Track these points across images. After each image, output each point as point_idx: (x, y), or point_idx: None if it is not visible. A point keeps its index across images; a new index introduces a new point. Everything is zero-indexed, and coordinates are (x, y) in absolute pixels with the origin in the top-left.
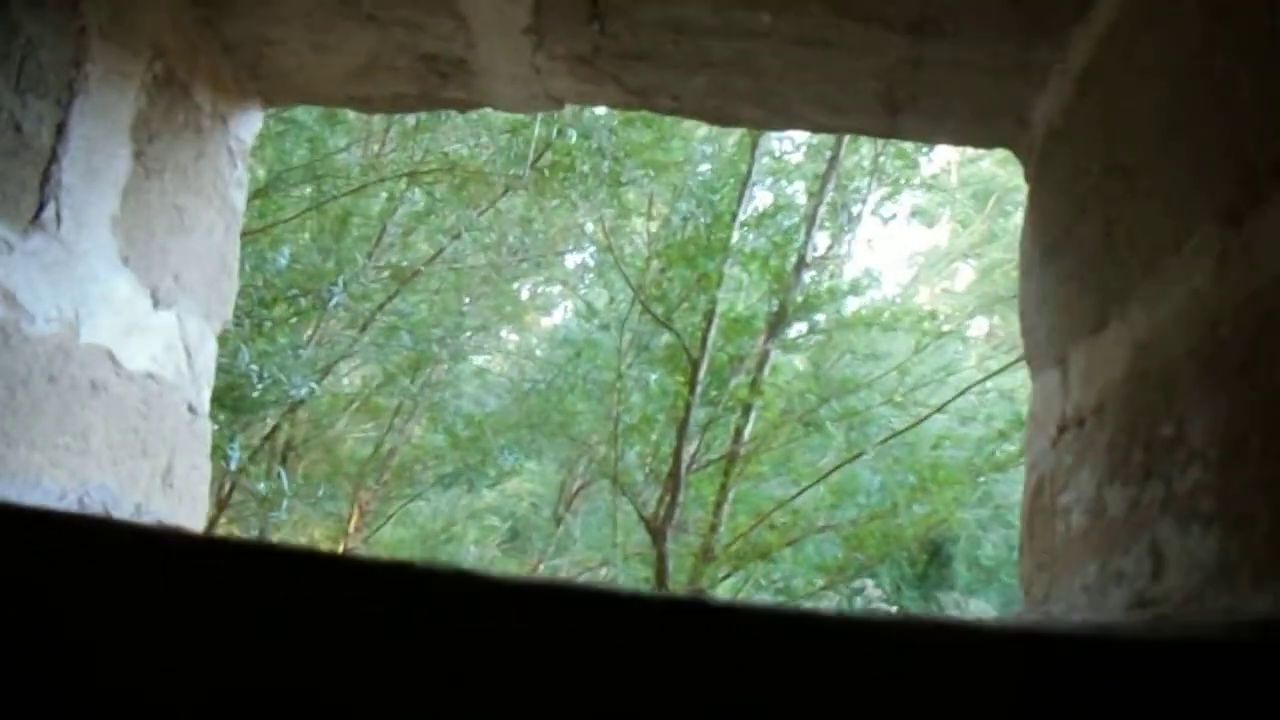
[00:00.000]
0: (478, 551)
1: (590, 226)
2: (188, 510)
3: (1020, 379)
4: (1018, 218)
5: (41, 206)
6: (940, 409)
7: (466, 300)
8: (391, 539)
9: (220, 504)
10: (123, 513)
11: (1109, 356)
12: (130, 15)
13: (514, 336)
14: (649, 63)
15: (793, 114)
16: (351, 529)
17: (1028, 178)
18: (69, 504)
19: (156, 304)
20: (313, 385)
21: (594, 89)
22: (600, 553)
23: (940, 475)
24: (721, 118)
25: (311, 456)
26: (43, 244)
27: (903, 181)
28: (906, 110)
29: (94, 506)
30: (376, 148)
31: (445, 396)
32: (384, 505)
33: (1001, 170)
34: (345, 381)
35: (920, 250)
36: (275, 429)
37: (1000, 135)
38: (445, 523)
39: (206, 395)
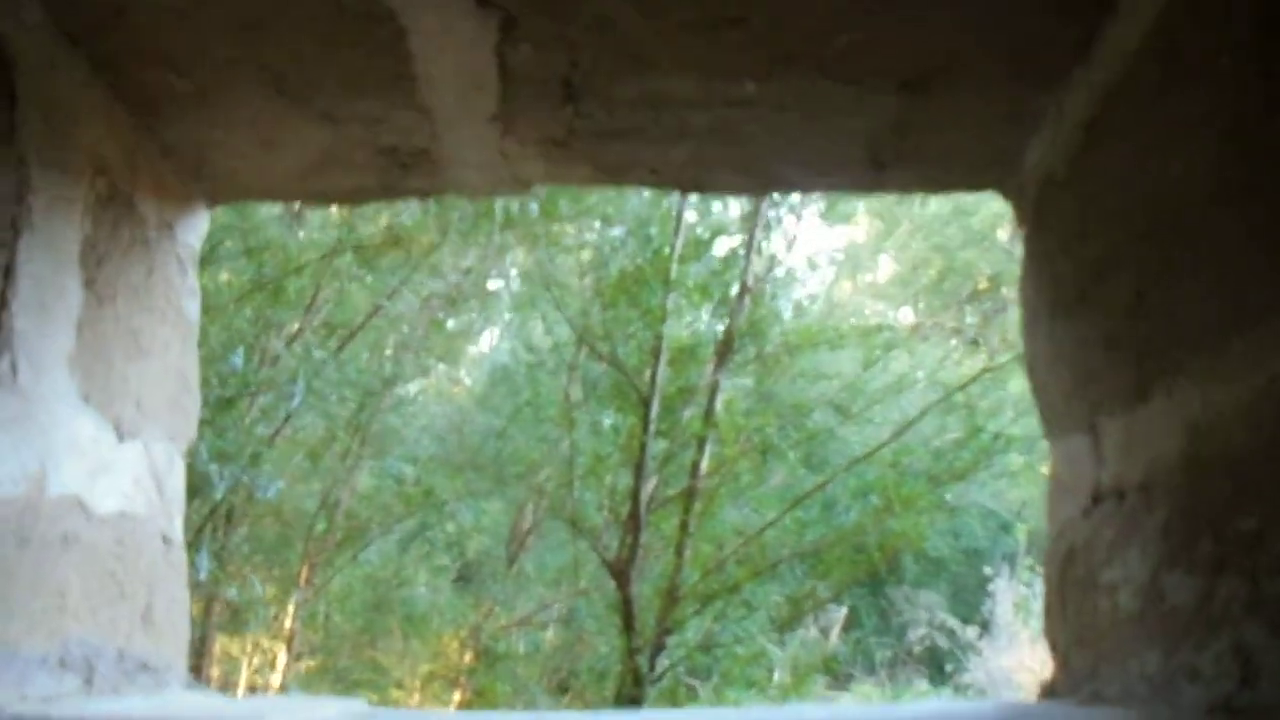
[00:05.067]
0: (429, 595)
1: (510, 262)
2: (170, 645)
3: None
4: (934, 206)
5: None
6: (906, 428)
7: (405, 351)
8: (340, 588)
9: None
10: (105, 661)
11: (1155, 433)
12: (68, 132)
13: (441, 366)
14: (626, 140)
15: (775, 177)
16: (302, 582)
17: (1021, 221)
18: (49, 667)
19: (121, 437)
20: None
21: (566, 170)
22: (556, 590)
23: (904, 493)
24: (700, 186)
25: (256, 513)
26: (1, 399)
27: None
28: (893, 167)
29: (75, 663)
30: (298, 206)
31: (388, 445)
32: (332, 555)
33: None
34: (291, 433)
35: (839, 246)
36: (221, 501)
37: (989, 180)
38: (395, 567)
39: (179, 521)
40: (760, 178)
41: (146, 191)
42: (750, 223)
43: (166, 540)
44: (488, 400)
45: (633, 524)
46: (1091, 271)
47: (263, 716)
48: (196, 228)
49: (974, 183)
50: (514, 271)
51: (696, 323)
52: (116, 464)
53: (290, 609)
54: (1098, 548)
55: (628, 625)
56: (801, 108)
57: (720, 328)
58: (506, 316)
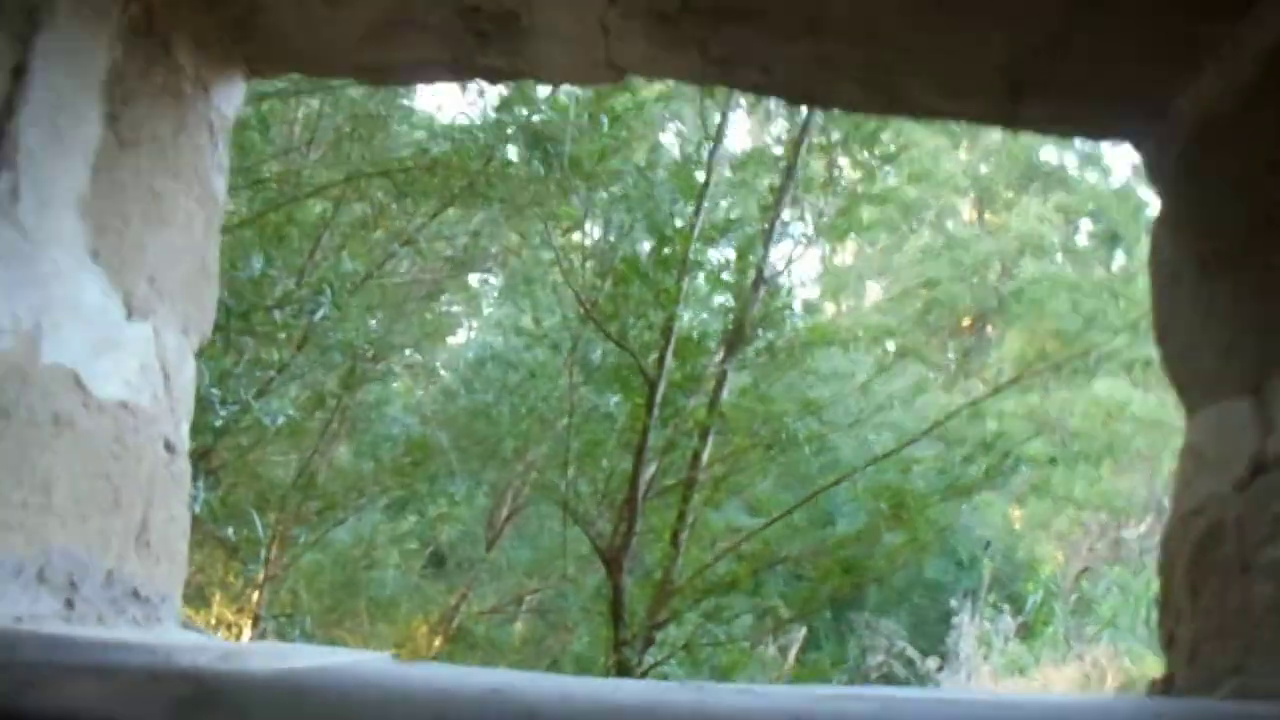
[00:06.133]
0: (400, 578)
1: (495, 248)
2: (166, 574)
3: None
4: (926, 235)
5: None
6: (928, 432)
7: (396, 318)
8: (309, 565)
9: None
10: (91, 583)
11: None
12: None
13: (418, 356)
14: (744, 24)
15: (899, 96)
16: (272, 555)
17: (1158, 177)
18: (28, 578)
19: (130, 313)
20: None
21: (669, 56)
22: (535, 578)
23: (913, 502)
24: (813, 96)
25: (231, 480)
26: None
27: (860, 191)
28: (1033, 96)
29: (56, 579)
30: (307, 153)
31: (370, 418)
32: (305, 531)
33: (912, 186)
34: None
35: (823, 268)
36: (207, 452)
37: (1130, 126)
38: (366, 548)
39: (186, 428)
40: (884, 94)
41: (186, 38)
42: (771, 213)
43: (170, 447)
44: (474, 380)
45: (629, 511)
46: (1266, 214)
47: (286, 659)
48: (233, 96)
49: (1112, 127)
50: (499, 263)
51: (707, 309)
52: (123, 343)
53: (258, 583)
54: (1256, 525)
55: (616, 616)
56: (956, 4)
57: (730, 317)
58: (488, 311)
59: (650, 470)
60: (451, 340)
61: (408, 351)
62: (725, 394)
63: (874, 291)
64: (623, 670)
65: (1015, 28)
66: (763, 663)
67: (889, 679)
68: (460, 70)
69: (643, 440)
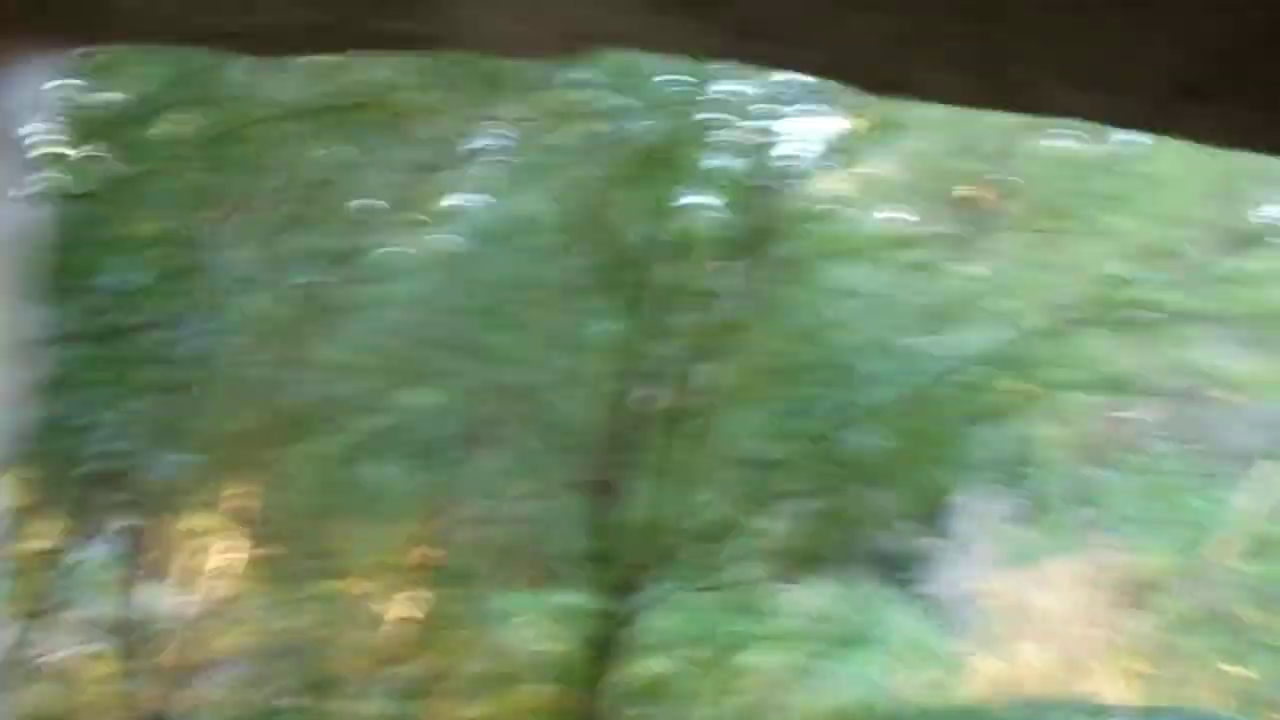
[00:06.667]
0: (379, 471)
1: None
2: None
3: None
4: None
5: None
6: (959, 391)
7: (373, 217)
8: (292, 467)
9: None
10: None
11: None
12: None
13: (407, 226)
14: None
15: (1020, 91)
16: (252, 463)
17: None
18: None
19: None
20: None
21: (672, 25)
22: (518, 482)
23: (933, 434)
24: (898, 84)
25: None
26: None
27: None
28: (1200, 98)
29: None
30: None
31: (351, 317)
32: (287, 434)
33: None
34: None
35: (827, 136)
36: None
37: None
38: (346, 443)
39: None
40: (1001, 86)
41: None
42: (775, 105)
43: None
44: (459, 272)
45: (622, 442)
46: None
47: None
48: (26, 82)
49: None
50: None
51: (710, 217)
52: None
53: (238, 490)
54: None
55: (605, 559)
56: None
57: (735, 226)
58: (482, 179)
59: (647, 394)
60: (445, 204)
61: (401, 220)
62: (731, 310)
63: (873, 162)
64: (610, 620)
65: (1203, 12)
66: (751, 533)
67: (884, 553)
68: (363, 39)
69: (637, 362)
